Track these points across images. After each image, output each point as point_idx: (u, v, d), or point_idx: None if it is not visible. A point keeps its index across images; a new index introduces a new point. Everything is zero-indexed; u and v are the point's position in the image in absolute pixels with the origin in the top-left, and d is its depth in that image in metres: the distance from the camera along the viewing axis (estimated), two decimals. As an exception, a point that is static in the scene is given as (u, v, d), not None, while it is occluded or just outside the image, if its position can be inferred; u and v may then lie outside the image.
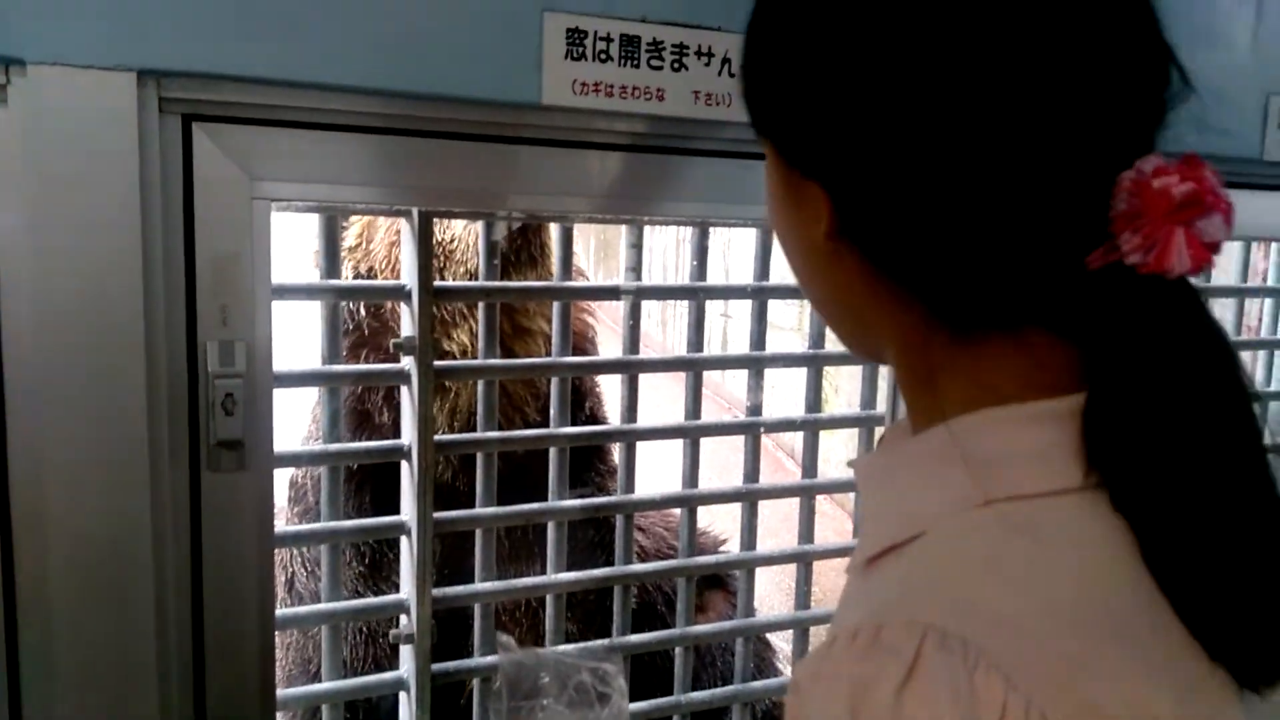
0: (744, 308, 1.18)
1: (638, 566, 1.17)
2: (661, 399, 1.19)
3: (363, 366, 1.09)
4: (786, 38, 0.58)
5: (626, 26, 0.87)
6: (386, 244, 1.29)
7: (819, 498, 1.27)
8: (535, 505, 1.10)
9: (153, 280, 0.83)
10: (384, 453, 1.04)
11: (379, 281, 1.24)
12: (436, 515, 1.03)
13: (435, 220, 0.99)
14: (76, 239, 0.79)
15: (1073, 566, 0.50)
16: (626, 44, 0.87)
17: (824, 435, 1.26)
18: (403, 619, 1.03)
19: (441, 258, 1.25)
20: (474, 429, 1.09)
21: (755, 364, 1.19)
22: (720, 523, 1.50)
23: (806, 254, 0.63)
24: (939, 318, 0.57)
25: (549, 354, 1.11)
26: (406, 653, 1.03)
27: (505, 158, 0.93)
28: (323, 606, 1.01)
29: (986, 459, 0.54)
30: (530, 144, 0.93)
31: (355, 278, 1.32)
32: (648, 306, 1.13)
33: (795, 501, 1.26)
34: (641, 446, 1.15)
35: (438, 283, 1.01)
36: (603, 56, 0.86)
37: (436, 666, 1.03)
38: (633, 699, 1.16)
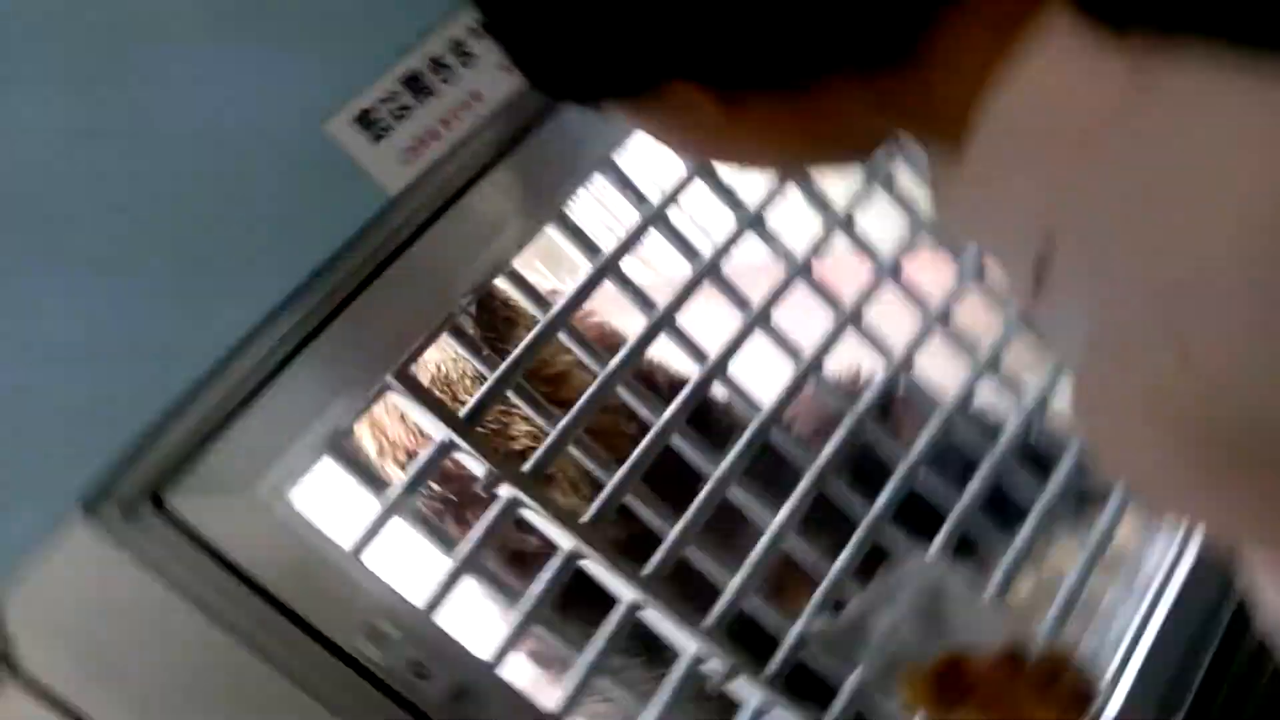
0: (697, 191, 1.11)
1: (823, 457, 1.11)
2: (691, 320, 1.12)
3: (484, 534, 1.03)
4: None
5: (398, 71, 0.80)
6: (398, 423, 1.24)
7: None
8: (707, 496, 1.05)
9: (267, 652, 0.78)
10: (564, 574, 0.98)
11: (420, 460, 1.18)
12: (646, 574, 0.99)
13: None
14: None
15: (1201, 139, 0.45)
16: (412, 83, 0.80)
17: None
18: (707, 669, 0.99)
19: (444, 387, 1.20)
20: (599, 488, 1.03)
21: (757, 223, 1.12)
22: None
23: (720, 140, 0.59)
24: (873, 65, 0.53)
25: (593, 379, 1.04)
26: (743, 688, 0.98)
27: (411, 269, 0.87)
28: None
29: (1028, 137, 0.50)
30: (420, 233, 0.86)
31: (404, 468, 1.26)
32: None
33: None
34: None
35: (461, 413, 0.96)
36: (402, 113, 0.79)
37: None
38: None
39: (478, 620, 1.07)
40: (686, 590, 1.04)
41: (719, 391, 1.24)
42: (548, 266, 1.73)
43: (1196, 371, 0.41)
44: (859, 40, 0.51)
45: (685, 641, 0.99)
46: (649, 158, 1.10)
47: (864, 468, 1.32)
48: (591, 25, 0.53)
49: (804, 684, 1.04)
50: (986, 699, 0.65)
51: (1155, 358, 0.42)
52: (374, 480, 0.97)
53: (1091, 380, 0.48)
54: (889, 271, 1.18)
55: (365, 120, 0.79)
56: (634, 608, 0.99)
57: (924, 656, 0.72)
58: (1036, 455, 1.34)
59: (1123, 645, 1.18)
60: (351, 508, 1.00)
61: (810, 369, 1.13)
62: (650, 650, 1.26)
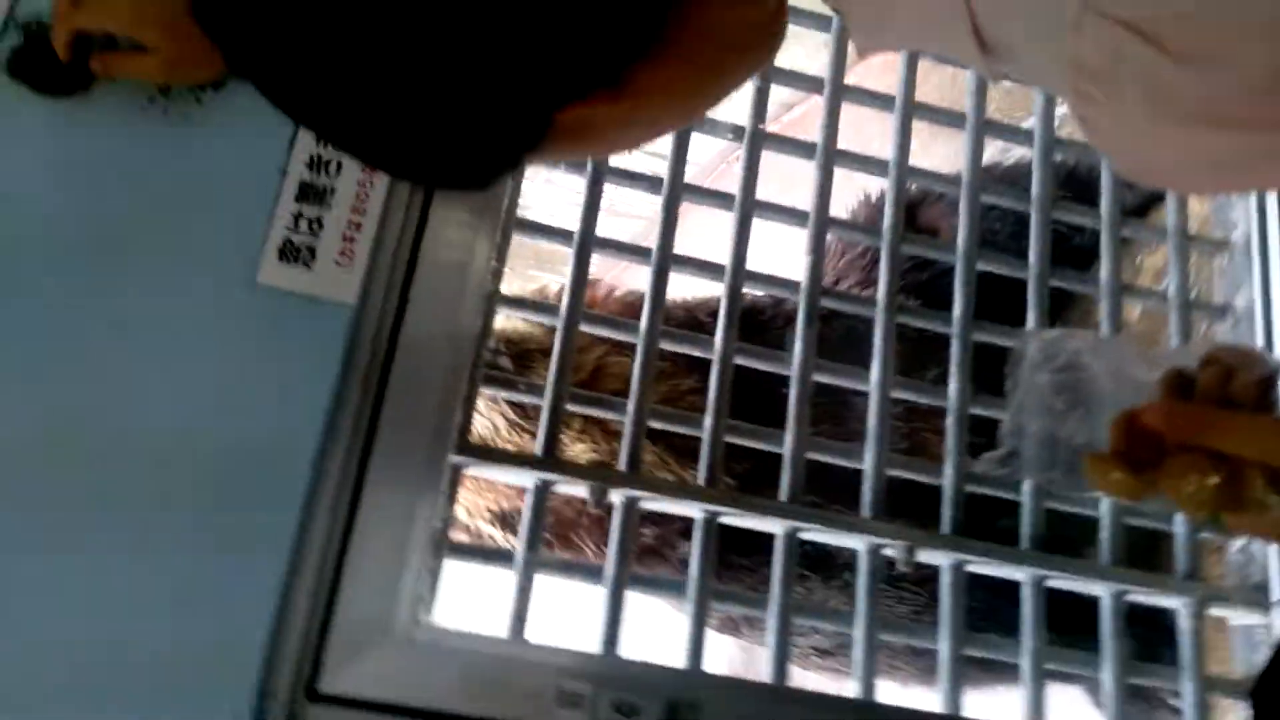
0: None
1: (882, 290, 1.06)
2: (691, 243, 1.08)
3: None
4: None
5: (288, 193, 0.76)
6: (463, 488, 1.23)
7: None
8: (799, 390, 1.01)
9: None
10: (710, 541, 0.96)
11: (527, 515, 1.17)
12: (783, 502, 0.96)
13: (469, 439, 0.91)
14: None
15: None
16: (307, 195, 0.77)
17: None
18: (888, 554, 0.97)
19: (498, 434, 1.18)
20: (695, 451, 0.99)
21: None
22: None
23: (646, 121, 0.56)
24: None
25: (629, 359, 1.02)
26: (930, 555, 0.96)
27: (414, 349, 0.85)
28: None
29: None
30: (401, 315, 0.84)
31: (494, 523, 1.26)
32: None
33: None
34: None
35: (538, 452, 0.93)
36: (315, 226, 0.76)
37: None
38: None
39: (650, 628, 1.05)
40: (830, 494, 1.01)
41: (758, 294, 1.20)
42: (534, 265, 1.69)
43: (1180, 53, 0.39)
44: None
45: (855, 541, 0.96)
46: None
47: (929, 290, 1.27)
48: (460, 115, 0.48)
49: (984, 520, 1.01)
50: (1179, 439, 0.59)
51: (1140, 64, 0.40)
52: (499, 556, 0.95)
53: (1093, 114, 0.46)
54: (838, 93, 1.12)
55: (288, 252, 0.77)
56: (791, 535, 0.96)
57: (1097, 439, 0.68)
58: (1078, 182, 1.28)
59: (1257, 320, 1.12)
60: (479, 586, 0.99)
61: (821, 221, 1.07)
62: (824, 568, 1.24)
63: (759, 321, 1.28)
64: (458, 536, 1.25)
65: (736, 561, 1.18)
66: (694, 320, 1.25)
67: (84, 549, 0.73)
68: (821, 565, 1.21)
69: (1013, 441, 0.84)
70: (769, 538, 0.97)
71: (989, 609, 1.00)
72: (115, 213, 0.78)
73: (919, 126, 1.15)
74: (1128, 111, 0.43)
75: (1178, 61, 0.39)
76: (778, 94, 1.13)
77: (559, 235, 1.01)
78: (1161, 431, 0.59)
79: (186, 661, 0.73)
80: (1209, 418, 0.59)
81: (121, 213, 0.78)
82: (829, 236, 1.09)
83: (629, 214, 2.44)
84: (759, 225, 1.07)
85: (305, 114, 0.49)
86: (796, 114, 2.03)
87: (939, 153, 1.44)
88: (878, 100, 1.15)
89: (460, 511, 1.30)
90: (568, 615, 0.99)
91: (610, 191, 1.05)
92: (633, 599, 0.93)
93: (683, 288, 1.13)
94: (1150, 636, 1.12)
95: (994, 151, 1.51)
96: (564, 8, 0.44)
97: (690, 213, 1.06)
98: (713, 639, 1.30)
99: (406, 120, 0.47)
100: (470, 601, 1.03)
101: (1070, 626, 1.00)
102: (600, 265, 1.07)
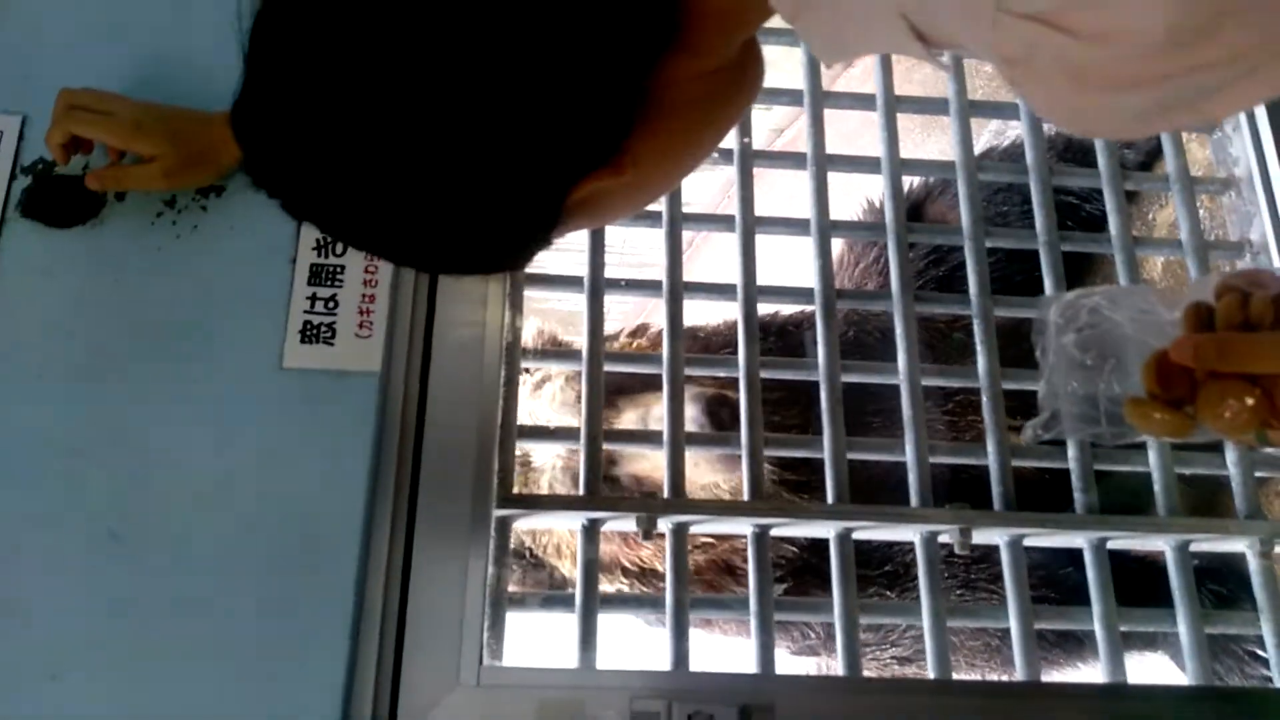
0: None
1: (895, 281, 1.07)
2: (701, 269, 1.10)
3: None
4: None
5: (300, 277, 0.80)
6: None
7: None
8: (828, 393, 1.01)
9: None
10: (765, 551, 0.96)
11: (580, 555, 1.18)
12: (831, 504, 0.96)
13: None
14: None
15: None
16: (319, 276, 0.80)
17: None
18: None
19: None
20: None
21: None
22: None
23: (647, 183, 0.60)
24: (668, 33, 0.53)
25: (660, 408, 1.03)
26: (986, 534, 0.96)
27: (443, 403, 0.87)
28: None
29: None
30: (427, 372, 0.87)
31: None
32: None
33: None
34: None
35: (580, 492, 0.95)
36: (330, 304, 0.79)
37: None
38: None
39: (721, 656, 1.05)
40: (880, 491, 1.01)
41: (789, 312, 1.21)
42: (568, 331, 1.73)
43: (1084, 34, 0.43)
44: (643, 30, 0.50)
45: (908, 532, 0.96)
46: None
47: (948, 284, 1.28)
48: (488, 209, 0.52)
49: (1037, 492, 1.00)
50: (1209, 368, 0.60)
51: (1053, 49, 0.45)
52: (563, 600, 0.96)
53: (1027, 91, 0.51)
54: (819, 99, 1.14)
55: (309, 334, 0.81)
56: (844, 536, 0.96)
57: (1132, 385, 0.68)
58: (1078, 149, 1.28)
59: (1272, 250, 1.10)
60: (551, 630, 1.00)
61: (824, 225, 1.09)
62: (900, 581, 1.23)
63: (784, 333, 1.29)
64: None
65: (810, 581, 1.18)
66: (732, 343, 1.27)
67: (146, 631, 0.75)
68: (898, 579, 1.21)
69: (1052, 404, 0.83)
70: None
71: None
72: (140, 324, 0.82)
73: (913, 124, 1.17)
74: (1053, 87, 0.48)
75: (1085, 41, 0.44)
76: (765, 119, 1.16)
77: (570, 283, 1.03)
78: (1191, 365, 0.59)
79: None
80: (1233, 343, 0.59)
81: (146, 323, 0.82)
82: (840, 245, 1.11)
83: (649, 263, 2.47)
84: (774, 245, 1.08)
85: (341, 225, 0.54)
86: (788, 137, 2.07)
87: (935, 147, 1.46)
88: (860, 100, 1.17)
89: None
90: (639, 655, 0.99)
91: (619, 236, 1.08)
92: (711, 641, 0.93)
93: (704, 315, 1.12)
94: (1227, 594, 1.10)
95: (990, 136, 1.53)
96: (554, 99, 0.49)
97: (703, 246, 1.08)
98: (793, 663, 1.29)
99: (439, 220, 0.51)
100: (544, 645, 1.04)
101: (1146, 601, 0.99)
102: (631, 313, 1.08)
